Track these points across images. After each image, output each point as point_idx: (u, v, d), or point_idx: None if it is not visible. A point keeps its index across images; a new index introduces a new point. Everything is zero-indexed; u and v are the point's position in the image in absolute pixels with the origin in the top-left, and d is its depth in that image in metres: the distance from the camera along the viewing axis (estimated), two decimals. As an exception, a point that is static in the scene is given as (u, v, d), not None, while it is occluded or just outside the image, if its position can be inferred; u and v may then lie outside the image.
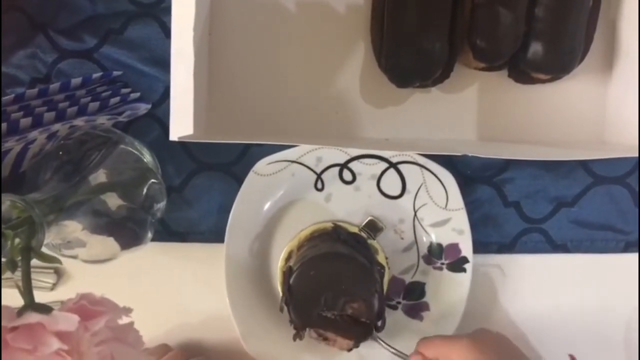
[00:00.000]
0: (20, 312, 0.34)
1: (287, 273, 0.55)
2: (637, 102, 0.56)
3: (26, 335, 0.31)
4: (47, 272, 0.61)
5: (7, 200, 0.42)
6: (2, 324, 0.31)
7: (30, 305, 0.35)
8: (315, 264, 0.54)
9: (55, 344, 0.31)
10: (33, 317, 0.32)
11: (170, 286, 0.62)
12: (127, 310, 0.36)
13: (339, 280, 0.53)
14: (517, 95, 0.60)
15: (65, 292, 0.62)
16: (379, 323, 0.53)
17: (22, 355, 0.30)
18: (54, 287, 0.61)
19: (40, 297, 0.37)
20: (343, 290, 0.53)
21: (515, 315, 0.64)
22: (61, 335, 0.31)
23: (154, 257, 0.61)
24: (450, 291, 0.61)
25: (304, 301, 0.53)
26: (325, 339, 0.55)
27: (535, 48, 0.56)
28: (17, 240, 0.40)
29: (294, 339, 0.54)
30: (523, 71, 0.58)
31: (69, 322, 0.32)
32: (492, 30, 0.55)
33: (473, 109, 0.60)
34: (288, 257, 0.60)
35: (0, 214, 0.40)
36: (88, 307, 0.34)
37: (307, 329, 0.54)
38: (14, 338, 0.31)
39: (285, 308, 0.54)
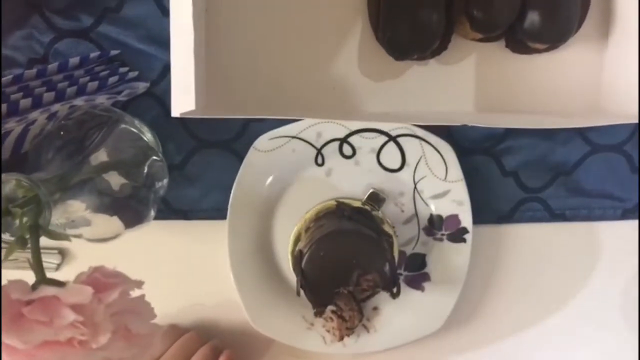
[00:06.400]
0: (34, 286, 0.34)
1: (298, 257, 0.55)
2: (637, 69, 0.56)
3: (42, 308, 0.32)
4: (51, 252, 0.61)
5: (13, 179, 0.42)
6: (18, 297, 0.32)
7: (43, 280, 0.35)
8: (323, 244, 0.54)
9: (71, 316, 0.31)
10: (48, 290, 0.32)
11: (174, 263, 0.63)
12: (139, 283, 0.36)
13: (349, 256, 0.54)
14: (514, 65, 0.61)
15: (70, 272, 0.61)
16: (395, 290, 0.54)
17: (38, 327, 0.31)
18: (58, 267, 0.61)
19: (45, 277, 0.38)
20: (354, 264, 0.54)
21: (515, 285, 0.65)
22: (76, 308, 0.32)
23: (157, 235, 0.61)
24: (450, 262, 0.61)
25: (318, 282, 0.54)
26: (341, 317, 0.57)
27: (532, 18, 0.56)
28: (24, 219, 0.41)
29: (315, 316, 0.56)
30: (520, 41, 0.58)
31: (83, 294, 0.32)
32: (489, 1, 0.55)
33: (471, 80, 0.61)
34: (297, 240, 0.61)
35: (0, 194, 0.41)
36: (101, 280, 0.34)
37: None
38: (30, 311, 0.31)
39: (302, 292, 0.55)
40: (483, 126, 0.52)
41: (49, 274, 0.60)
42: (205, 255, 0.62)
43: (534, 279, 0.65)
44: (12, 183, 0.42)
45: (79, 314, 0.31)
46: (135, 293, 0.37)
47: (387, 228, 0.61)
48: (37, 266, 0.36)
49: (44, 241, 0.42)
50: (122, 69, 0.58)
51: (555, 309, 0.66)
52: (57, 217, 0.48)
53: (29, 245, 0.39)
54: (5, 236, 0.41)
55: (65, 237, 0.41)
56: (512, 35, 0.58)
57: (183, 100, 0.49)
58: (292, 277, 0.62)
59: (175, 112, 0.49)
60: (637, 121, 0.53)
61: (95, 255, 0.58)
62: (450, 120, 0.53)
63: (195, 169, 0.61)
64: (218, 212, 0.60)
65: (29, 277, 0.37)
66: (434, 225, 0.62)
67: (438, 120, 0.54)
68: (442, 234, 0.62)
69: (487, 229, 0.64)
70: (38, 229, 0.40)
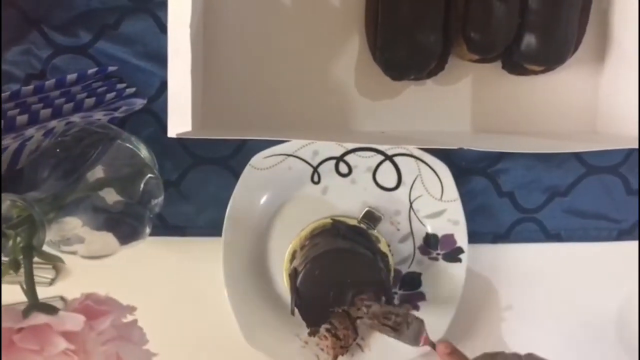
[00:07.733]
0: (26, 312, 0.34)
1: (293, 275, 0.55)
2: (636, 91, 0.56)
3: (33, 336, 0.31)
4: (45, 267, 0.61)
5: (7, 199, 0.42)
6: (9, 325, 0.31)
7: (35, 305, 0.35)
8: (318, 262, 0.54)
9: (62, 344, 0.31)
10: (40, 318, 0.32)
11: (169, 280, 0.63)
12: (131, 309, 0.36)
13: (344, 275, 0.54)
14: (511, 86, 0.61)
15: (64, 287, 0.62)
16: None
17: (29, 355, 0.31)
18: (52, 282, 0.61)
19: (39, 292, 0.38)
20: (349, 284, 0.54)
21: (510, 305, 0.65)
22: (67, 335, 0.32)
23: (153, 251, 0.61)
24: (446, 281, 0.61)
25: (313, 301, 0.54)
26: (335, 335, 0.57)
27: (529, 40, 0.56)
28: (18, 240, 0.41)
29: (310, 335, 0.57)
30: (517, 63, 0.58)
31: (75, 322, 0.32)
32: (486, 23, 0.55)
33: (467, 101, 0.61)
34: (292, 258, 0.61)
35: (-1, 213, 0.41)
36: (93, 307, 0.34)
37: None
38: (21, 339, 0.31)
39: (297, 310, 0.55)
40: (479, 150, 0.52)
41: (43, 289, 0.61)
42: (200, 272, 0.62)
43: (529, 299, 0.65)
44: (6, 203, 0.42)
45: (70, 342, 0.31)
46: (128, 318, 0.37)
47: (382, 247, 0.61)
48: (30, 290, 0.36)
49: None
50: (120, 86, 0.58)
51: (551, 329, 0.66)
52: (52, 236, 0.48)
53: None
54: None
55: (59, 259, 0.41)
56: (508, 56, 0.58)
57: (179, 120, 0.49)
58: (286, 295, 0.62)
59: (172, 132, 0.49)
60: (636, 146, 0.53)
61: (90, 271, 0.59)
62: (447, 143, 0.54)
63: (192, 186, 0.61)
64: (213, 229, 0.60)
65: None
66: (430, 244, 0.62)
67: (434, 143, 0.54)
68: (438, 253, 0.62)
69: (483, 249, 0.64)
70: (32, 250, 0.40)
